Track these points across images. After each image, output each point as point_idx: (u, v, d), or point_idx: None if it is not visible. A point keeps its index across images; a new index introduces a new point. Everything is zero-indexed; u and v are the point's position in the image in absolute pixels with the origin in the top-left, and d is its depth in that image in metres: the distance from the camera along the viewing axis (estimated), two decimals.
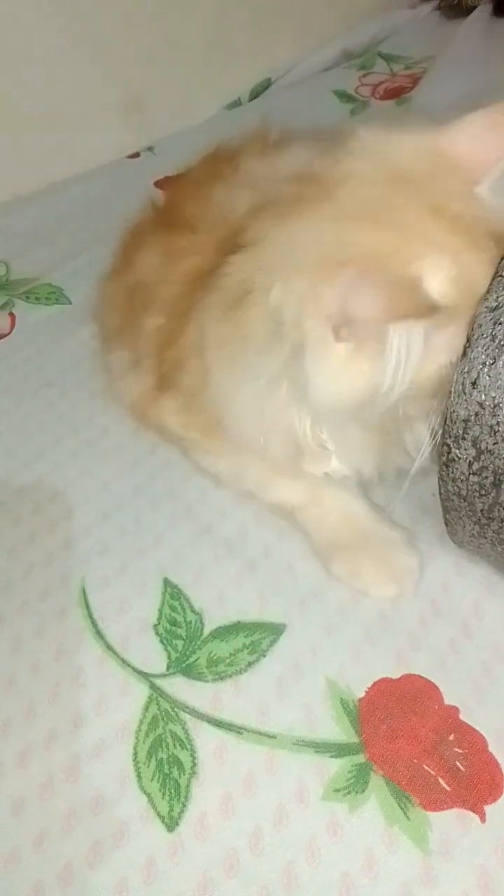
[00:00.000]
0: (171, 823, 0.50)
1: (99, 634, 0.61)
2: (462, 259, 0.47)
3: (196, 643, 0.59)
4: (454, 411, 0.47)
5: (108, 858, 0.49)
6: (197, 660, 0.58)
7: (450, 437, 0.48)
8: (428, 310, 0.44)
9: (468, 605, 0.58)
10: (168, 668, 0.58)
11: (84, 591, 0.64)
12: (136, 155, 1.31)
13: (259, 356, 0.53)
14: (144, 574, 0.64)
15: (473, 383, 0.47)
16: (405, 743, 0.51)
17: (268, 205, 0.55)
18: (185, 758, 0.53)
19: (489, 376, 0.46)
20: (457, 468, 0.49)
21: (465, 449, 0.48)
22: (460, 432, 0.48)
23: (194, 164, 0.79)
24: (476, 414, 0.47)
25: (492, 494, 0.48)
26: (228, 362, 0.56)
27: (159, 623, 0.61)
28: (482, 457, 0.47)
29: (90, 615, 0.62)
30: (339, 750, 0.52)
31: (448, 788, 0.49)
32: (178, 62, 1.33)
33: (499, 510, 0.49)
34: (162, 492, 0.71)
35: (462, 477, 0.49)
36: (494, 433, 0.46)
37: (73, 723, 0.56)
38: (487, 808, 0.48)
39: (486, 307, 0.47)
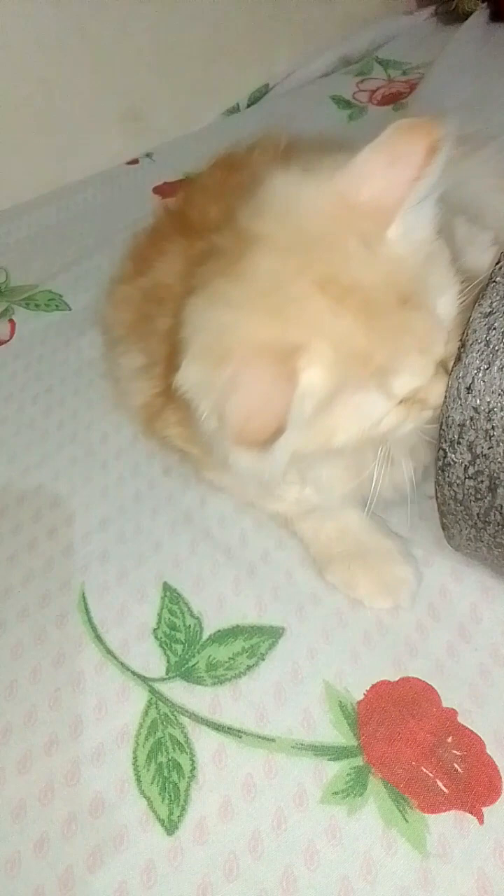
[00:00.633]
0: (170, 827, 0.50)
1: (99, 639, 0.61)
2: (349, 340, 0.46)
3: (195, 647, 0.59)
4: (449, 416, 0.48)
5: (109, 863, 0.49)
6: (196, 664, 0.58)
7: (445, 441, 0.48)
8: (274, 434, 0.45)
9: (465, 609, 0.58)
10: (167, 672, 0.58)
11: (84, 596, 0.64)
12: (135, 161, 1.31)
13: None
14: (144, 579, 0.65)
15: (468, 388, 0.47)
16: (403, 746, 0.52)
17: (208, 254, 0.55)
18: (185, 761, 0.53)
19: (484, 381, 0.46)
20: (453, 472, 0.49)
21: (461, 453, 0.48)
22: (456, 437, 0.48)
23: (205, 170, 0.79)
24: (471, 418, 0.47)
25: (487, 498, 0.49)
26: None
27: (158, 628, 0.61)
28: (477, 461, 0.48)
29: (90, 620, 0.63)
30: (337, 753, 0.52)
31: (446, 791, 0.49)
32: (177, 69, 1.34)
33: (495, 514, 0.49)
34: (161, 498, 0.71)
35: (458, 481, 0.49)
36: (489, 437, 0.47)
37: (73, 728, 0.56)
38: (485, 811, 0.48)
39: (481, 313, 0.47)
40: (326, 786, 0.51)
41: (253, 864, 0.48)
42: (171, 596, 0.63)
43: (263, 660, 0.58)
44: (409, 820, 0.48)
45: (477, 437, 0.47)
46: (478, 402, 0.47)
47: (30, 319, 0.98)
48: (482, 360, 0.46)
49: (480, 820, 0.48)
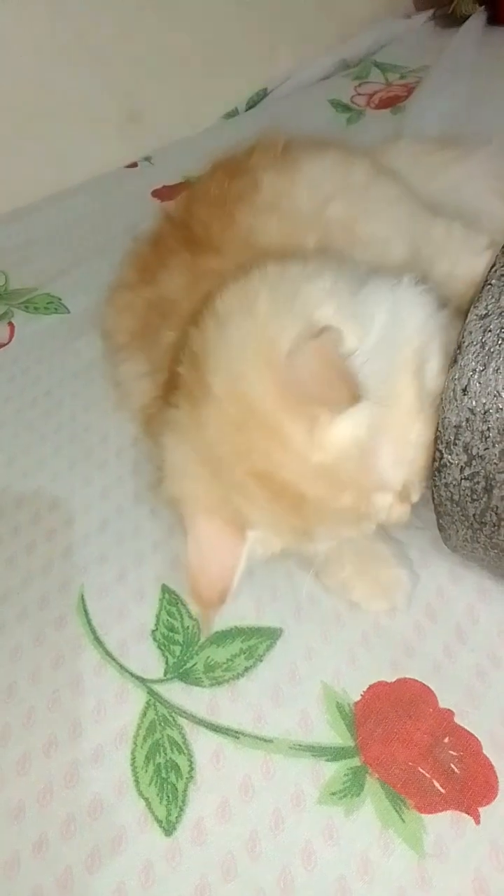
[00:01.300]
0: (168, 828, 0.50)
1: (98, 641, 0.61)
2: (285, 523, 0.50)
3: (193, 649, 0.60)
4: (445, 417, 0.48)
5: (107, 863, 0.49)
6: (194, 665, 0.59)
7: (441, 442, 0.49)
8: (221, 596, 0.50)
9: (462, 610, 0.59)
10: (166, 673, 0.58)
11: (83, 598, 0.65)
12: (134, 165, 1.32)
13: None
14: (143, 581, 0.65)
15: (464, 390, 0.47)
16: (400, 746, 0.52)
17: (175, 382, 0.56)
18: (183, 763, 0.53)
19: (479, 383, 0.47)
20: (448, 473, 0.49)
21: (457, 454, 0.48)
22: (452, 438, 0.48)
23: (205, 175, 0.78)
24: (467, 420, 0.47)
25: (483, 499, 0.49)
26: None
27: (157, 629, 0.61)
28: (473, 462, 0.48)
29: (89, 622, 0.63)
30: (334, 754, 0.52)
31: (443, 791, 0.49)
32: (176, 72, 1.35)
33: (490, 515, 0.49)
34: (160, 500, 0.72)
35: (454, 482, 0.50)
36: (485, 439, 0.47)
37: (71, 729, 0.56)
38: (482, 811, 0.48)
39: (476, 315, 0.47)
40: (324, 786, 0.51)
41: (251, 865, 0.48)
42: (170, 598, 0.63)
43: (261, 661, 0.58)
44: (405, 820, 0.49)
45: (473, 438, 0.47)
46: (473, 403, 0.47)
47: (29, 322, 0.98)
48: (478, 362, 0.46)
49: (477, 820, 0.48)
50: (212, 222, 0.67)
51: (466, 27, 1.42)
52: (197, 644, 0.60)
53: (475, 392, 0.47)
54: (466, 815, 0.48)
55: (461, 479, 0.49)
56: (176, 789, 0.52)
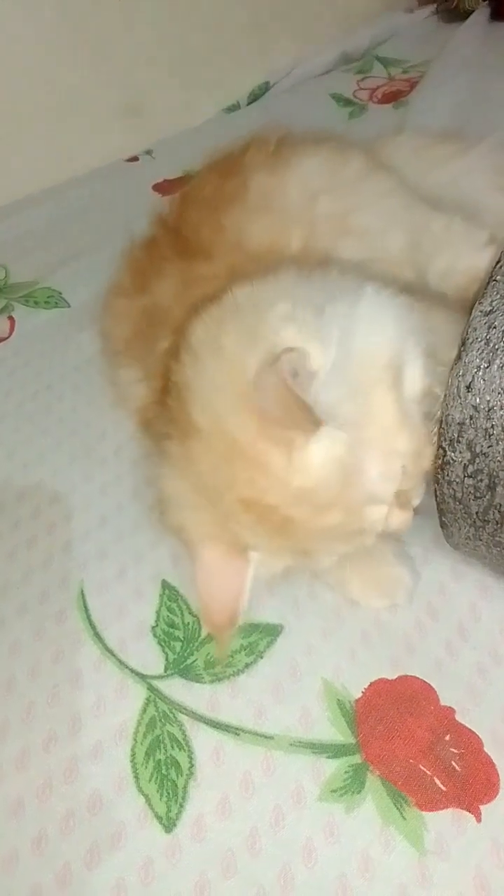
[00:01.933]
0: (168, 824, 0.50)
1: (97, 637, 0.61)
2: (278, 544, 0.51)
3: (194, 645, 0.59)
4: (449, 415, 0.48)
5: (107, 859, 0.49)
6: (195, 661, 0.58)
7: (445, 440, 0.49)
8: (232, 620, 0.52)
9: (464, 608, 0.58)
10: (166, 669, 0.58)
11: (83, 593, 0.64)
12: (135, 158, 1.31)
13: None
14: (143, 576, 0.65)
15: (468, 387, 0.47)
16: (401, 743, 0.52)
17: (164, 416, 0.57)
18: (183, 759, 0.53)
19: (483, 380, 0.46)
20: (452, 471, 0.49)
21: (461, 452, 0.48)
22: (455, 435, 0.48)
23: (198, 173, 0.79)
24: (471, 417, 0.47)
25: (487, 497, 0.49)
26: None
27: (157, 625, 0.61)
28: (477, 460, 0.48)
29: (89, 617, 0.63)
30: (335, 751, 0.52)
31: (444, 788, 0.49)
32: (177, 65, 1.34)
33: (493, 513, 0.49)
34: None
35: (457, 480, 0.49)
36: (489, 436, 0.47)
37: (71, 724, 0.56)
38: (483, 808, 0.48)
39: (481, 311, 0.47)
40: (324, 783, 0.51)
41: (251, 862, 0.48)
42: (170, 594, 0.63)
43: (262, 657, 0.58)
44: (406, 817, 0.48)
45: (476, 435, 0.47)
46: (477, 400, 0.47)
47: (29, 316, 0.98)
48: (482, 359, 0.46)
49: (478, 818, 0.48)
50: (202, 227, 0.68)
51: (470, 22, 1.42)
52: (197, 640, 0.60)
53: (479, 389, 0.46)
54: (467, 813, 0.48)
55: (464, 476, 0.49)
56: (176, 786, 0.52)
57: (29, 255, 1.10)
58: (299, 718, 0.54)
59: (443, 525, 0.54)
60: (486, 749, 0.51)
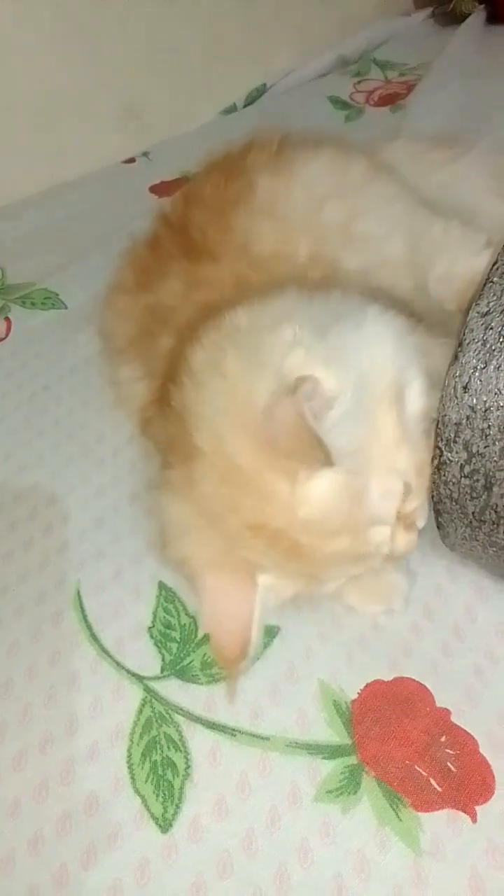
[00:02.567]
0: (164, 825, 0.50)
1: (94, 638, 0.61)
2: (287, 569, 0.50)
3: (190, 646, 0.59)
4: (446, 415, 0.48)
5: (103, 860, 0.49)
6: (191, 662, 0.58)
7: (441, 440, 0.49)
8: (243, 652, 0.51)
9: (460, 609, 0.58)
10: (162, 670, 0.58)
11: (79, 594, 0.64)
12: (132, 160, 1.31)
13: None
14: (139, 578, 0.65)
15: (465, 387, 0.47)
16: (397, 745, 0.52)
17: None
18: (179, 760, 0.53)
19: (480, 380, 0.46)
20: (448, 471, 0.49)
21: (457, 452, 0.48)
22: (452, 436, 0.48)
23: (201, 173, 0.78)
24: (467, 417, 0.47)
25: (483, 497, 0.49)
26: None
27: (154, 626, 0.61)
28: (473, 460, 0.48)
29: (85, 619, 0.63)
30: (331, 752, 0.52)
31: (439, 789, 0.49)
32: (174, 68, 1.34)
33: (490, 513, 0.49)
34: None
35: (454, 480, 0.49)
36: (485, 436, 0.47)
37: (67, 726, 0.56)
38: (479, 809, 0.48)
39: (478, 312, 0.47)
40: (320, 784, 0.51)
41: (247, 862, 0.48)
42: (167, 595, 0.63)
43: (259, 659, 0.58)
44: (402, 818, 0.48)
45: (473, 435, 0.47)
46: (474, 401, 0.47)
47: (26, 318, 0.98)
48: (479, 360, 0.46)
49: (473, 818, 0.48)
50: (209, 228, 0.67)
51: (466, 25, 1.43)
52: (194, 641, 0.60)
53: (476, 389, 0.47)
54: (463, 814, 0.48)
55: (461, 476, 0.49)
56: (172, 786, 0.52)
57: (26, 256, 1.10)
58: (296, 719, 0.54)
59: (439, 525, 0.54)
60: (481, 750, 0.51)
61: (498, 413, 0.46)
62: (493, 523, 0.49)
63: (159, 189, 1.19)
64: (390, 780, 0.50)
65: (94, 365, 0.85)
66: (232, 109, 1.41)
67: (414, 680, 0.55)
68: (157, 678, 0.58)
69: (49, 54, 1.22)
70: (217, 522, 0.50)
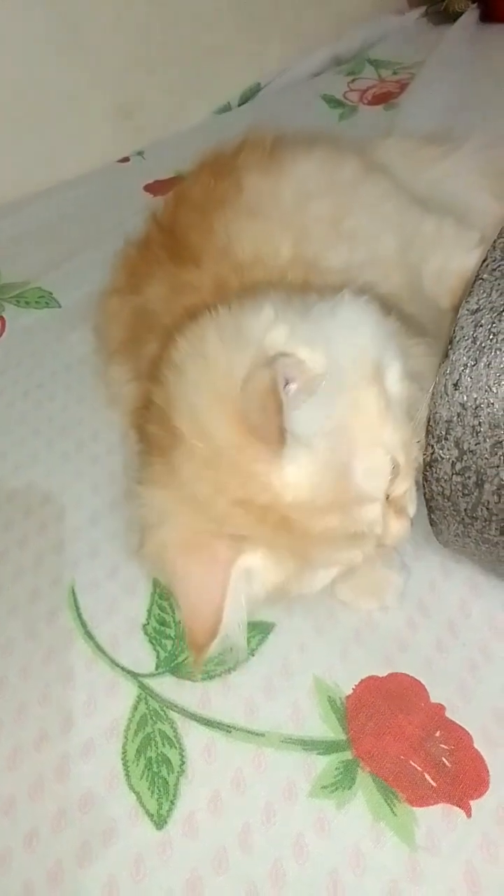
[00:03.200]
0: (159, 822, 0.50)
1: (88, 635, 0.61)
2: (278, 545, 0.49)
3: (185, 643, 0.59)
4: (437, 412, 0.48)
5: (98, 857, 0.49)
6: (185, 659, 0.59)
7: (433, 437, 0.49)
8: (212, 633, 0.48)
9: (454, 604, 0.59)
10: (157, 667, 0.58)
11: (74, 592, 0.65)
12: (126, 159, 1.32)
13: None
14: (134, 575, 0.65)
15: (455, 385, 0.47)
16: (392, 740, 0.52)
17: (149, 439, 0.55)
18: (174, 756, 0.53)
19: (470, 378, 0.47)
20: (440, 468, 0.49)
21: (448, 449, 0.48)
22: (443, 433, 0.48)
23: (192, 172, 0.78)
24: (458, 415, 0.47)
25: (475, 494, 0.49)
26: None
27: (148, 623, 0.61)
28: (465, 457, 0.48)
29: (80, 616, 0.63)
30: (326, 747, 0.52)
31: (434, 784, 0.50)
32: (168, 67, 1.35)
33: (482, 509, 0.49)
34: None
35: (445, 477, 0.50)
36: (476, 433, 0.47)
37: (62, 723, 0.56)
38: (473, 804, 0.49)
39: (468, 310, 0.47)
40: (315, 780, 0.51)
41: (242, 858, 0.48)
42: (161, 592, 0.63)
43: (253, 655, 0.58)
44: (397, 813, 0.49)
45: (464, 433, 0.47)
46: (465, 398, 0.47)
47: (20, 316, 0.98)
48: (469, 357, 0.47)
49: (468, 813, 0.48)
50: (192, 230, 0.67)
51: (459, 24, 1.43)
52: None
53: (466, 387, 0.47)
54: (458, 808, 0.48)
55: (452, 473, 0.49)
56: (167, 783, 0.52)
57: (20, 255, 1.10)
58: (290, 715, 0.54)
59: (432, 522, 0.54)
60: (475, 745, 0.51)
61: (488, 410, 0.46)
62: (485, 520, 0.50)
63: (154, 188, 1.20)
64: (385, 776, 0.50)
65: (88, 363, 0.85)
66: (226, 108, 1.41)
67: (408, 675, 0.55)
68: (151, 675, 0.58)
69: (43, 53, 1.22)
70: (202, 505, 0.49)
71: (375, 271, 0.64)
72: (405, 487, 0.52)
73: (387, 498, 0.51)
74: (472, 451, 0.47)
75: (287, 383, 0.45)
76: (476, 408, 0.46)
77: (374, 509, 0.50)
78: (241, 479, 0.47)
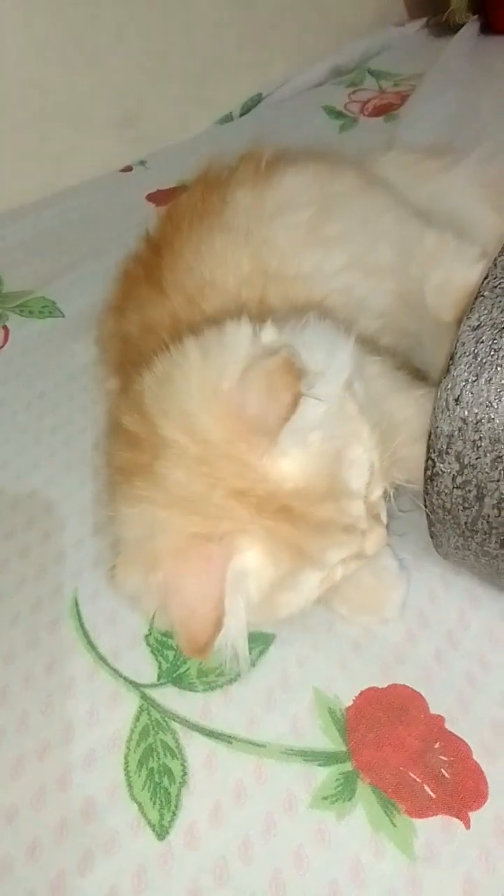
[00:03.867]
0: (161, 832, 0.51)
1: (91, 645, 0.62)
2: (276, 535, 0.48)
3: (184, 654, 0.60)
4: (438, 427, 0.49)
5: (100, 867, 0.50)
6: (187, 670, 0.59)
7: (434, 451, 0.49)
8: (214, 631, 0.46)
9: (453, 616, 0.59)
10: (159, 678, 0.59)
11: (76, 602, 0.65)
12: (129, 168, 1.32)
13: None
14: None
15: (456, 400, 0.48)
16: (391, 751, 0.52)
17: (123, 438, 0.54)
18: (176, 767, 0.54)
19: (471, 393, 0.47)
20: (441, 482, 0.50)
21: (449, 463, 0.49)
22: (444, 447, 0.49)
23: (189, 186, 0.78)
24: (459, 429, 0.48)
25: (475, 507, 0.49)
26: None
27: (150, 634, 0.62)
28: (465, 471, 0.48)
29: (82, 626, 0.63)
30: (326, 758, 0.53)
31: (433, 795, 0.50)
32: (171, 77, 1.35)
33: (482, 523, 0.50)
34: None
35: (446, 490, 0.50)
36: (477, 448, 0.47)
37: (64, 733, 0.56)
38: (472, 815, 0.49)
39: (469, 326, 0.48)
40: (316, 791, 0.51)
41: (243, 869, 0.49)
42: None
43: (254, 666, 0.58)
44: (396, 824, 0.49)
45: (465, 447, 0.48)
46: (465, 413, 0.47)
47: (23, 326, 0.99)
48: (470, 373, 0.47)
49: (467, 824, 0.49)
50: (167, 249, 0.67)
51: (460, 35, 1.44)
52: None
53: (467, 402, 0.47)
54: (456, 820, 0.49)
55: (453, 487, 0.50)
56: (169, 793, 0.52)
57: (23, 264, 1.11)
58: (291, 727, 0.55)
59: (432, 535, 0.55)
60: (474, 757, 0.51)
61: (489, 425, 0.47)
62: (486, 533, 0.50)
63: (156, 197, 1.20)
64: (385, 787, 0.51)
65: (91, 372, 0.86)
66: (228, 119, 1.42)
67: (408, 687, 0.56)
68: (153, 686, 0.58)
69: (46, 63, 1.22)
70: (195, 505, 0.48)
71: (358, 276, 0.64)
72: (379, 493, 0.52)
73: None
74: (472, 466, 0.48)
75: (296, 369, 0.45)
76: (477, 423, 0.47)
77: (359, 504, 0.50)
78: (238, 469, 0.47)
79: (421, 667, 0.56)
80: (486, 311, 0.48)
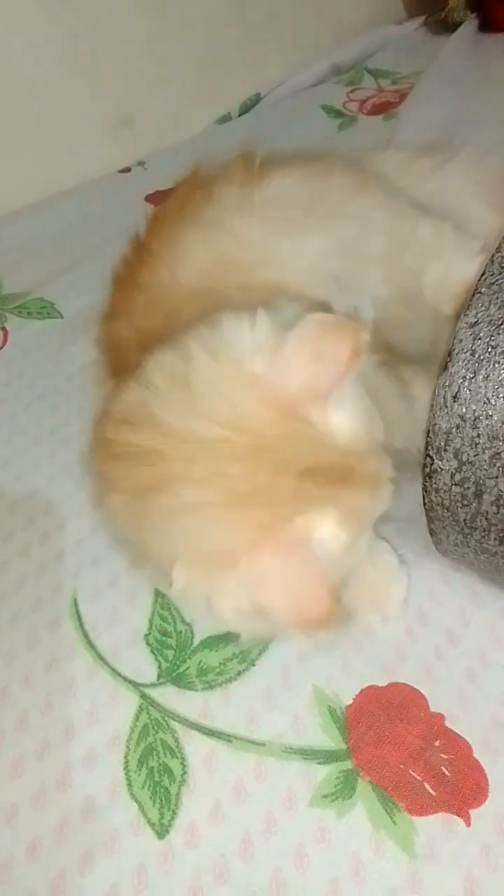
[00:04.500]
0: (161, 831, 0.51)
1: (90, 645, 0.62)
2: (345, 504, 0.48)
3: (186, 653, 0.60)
4: (436, 424, 0.49)
5: (100, 866, 0.50)
6: (187, 669, 0.59)
7: (432, 448, 0.49)
8: (333, 606, 0.45)
9: (453, 614, 0.59)
10: (158, 677, 0.59)
11: (76, 602, 0.65)
12: (127, 169, 1.32)
13: None
14: (136, 585, 0.65)
15: (454, 396, 0.48)
16: (392, 749, 0.52)
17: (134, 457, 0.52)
18: (176, 766, 0.54)
19: (469, 390, 0.47)
20: (439, 479, 0.50)
21: (447, 460, 0.49)
22: (442, 444, 0.49)
23: (178, 186, 0.77)
24: (457, 426, 0.48)
25: (474, 504, 0.49)
26: None
27: (150, 633, 0.62)
28: (464, 468, 0.48)
29: (82, 626, 0.63)
30: (326, 757, 0.53)
31: (434, 793, 0.50)
32: (169, 77, 1.35)
33: (481, 520, 0.50)
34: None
35: (445, 488, 0.50)
36: (475, 445, 0.47)
37: (64, 733, 0.56)
38: (472, 813, 0.49)
39: (466, 323, 0.48)
40: (316, 789, 0.51)
41: (243, 867, 0.48)
42: (163, 602, 0.64)
43: (254, 665, 0.58)
44: (397, 822, 0.49)
45: (463, 444, 0.48)
46: (463, 410, 0.47)
47: (22, 327, 0.99)
48: (468, 370, 0.47)
49: (467, 822, 0.49)
50: (139, 259, 0.67)
51: (458, 33, 1.43)
52: (190, 648, 0.60)
53: (465, 399, 0.47)
54: (457, 818, 0.49)
55: (452, 484, 0.49)
56: (169, 792, 0.52)
57: (22, 265, 1.11)
58: (291, 725, 0.55)
59: (431, 532, 0.55)
60: (475, 755, 0.51)
61: (487, 422, 0.46)
62: (484, 530, 0.50)
63: (155, 198, 1.20)
64: (385, 785, 0.51)
65: (90, 374, 0.86)
66: (226, 119, 1.41)
67: (408, 685, 0.56)
68: (153, 685, 0.58)
69: (44, 64, 1.22)
70: (264, 495, 0.47)
71: (337, 262, 0.64)
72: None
73: None
74: (470, 463, 0.48)
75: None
76: (475, 420, 0.47)
77: (386, 456, 0.51)
78: (300, 446, 0.47)
79: (421, 665, 0.56)
80: (483, 308, 0.48)
